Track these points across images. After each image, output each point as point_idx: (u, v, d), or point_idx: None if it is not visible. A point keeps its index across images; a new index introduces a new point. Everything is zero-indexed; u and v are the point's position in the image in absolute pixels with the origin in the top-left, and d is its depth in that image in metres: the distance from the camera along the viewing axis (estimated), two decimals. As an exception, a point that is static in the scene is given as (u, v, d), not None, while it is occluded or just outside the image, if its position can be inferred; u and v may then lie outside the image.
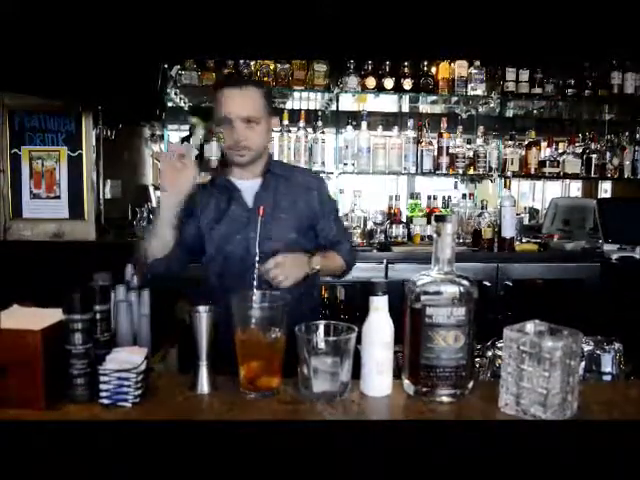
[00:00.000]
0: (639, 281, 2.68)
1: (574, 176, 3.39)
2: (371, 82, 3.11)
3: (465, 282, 1.10)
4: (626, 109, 3.55)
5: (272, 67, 3.11)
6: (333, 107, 3.21)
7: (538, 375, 1.00)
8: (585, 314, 2.04)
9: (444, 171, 3.22)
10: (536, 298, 2.86)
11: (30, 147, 2.92)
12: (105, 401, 1.04)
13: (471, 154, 3.24)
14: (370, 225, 3.13)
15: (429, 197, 3.36)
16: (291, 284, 1.45)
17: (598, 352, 1.33)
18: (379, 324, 1.12)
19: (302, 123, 3.16)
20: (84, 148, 2.92)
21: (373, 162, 3.17)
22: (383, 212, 3.28)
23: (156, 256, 1.50)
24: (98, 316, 1.12)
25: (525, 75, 3.20)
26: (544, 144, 3.38)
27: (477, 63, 3.16)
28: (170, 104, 3.15)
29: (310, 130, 3.20)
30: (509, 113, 3.60)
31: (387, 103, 3.48)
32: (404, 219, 3.26)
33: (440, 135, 3.20)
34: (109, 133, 3.07)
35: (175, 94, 3.16)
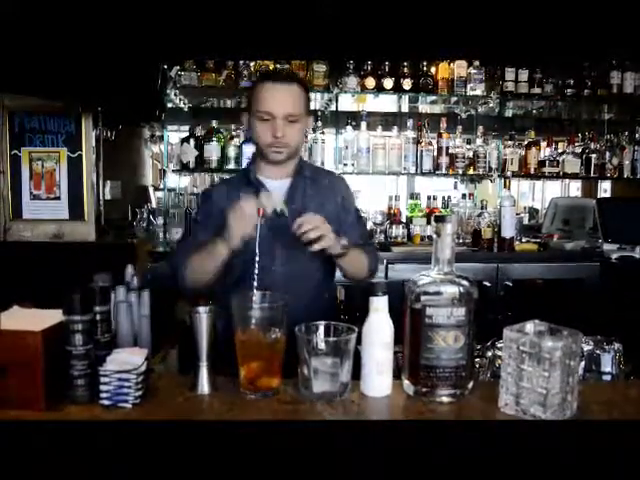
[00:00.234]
0: (639, 281, 2.68)
1: (574, 176, 3.38)
2: (370, 82, 3.11)
3: (465, 282, 1.10)
4: (625, 109, 3.55)
5: (271, 67, 3.11)
6: (333, 107, 3.21)
7: (538, 375, 1.00)
8: (585, 314, 2.04)
9: (444, 171, 3.22)
10: (536, 298, 2.86)
11: (30, 148, 2.92)
12: (105, 402, 1.04)
13: (471, 154, 3.24)
14: (370, 225, 3.13)
15: (429, 197, 3.36)
16: (327, 246, 1.37)
17: (598, 352, 1.33)
18: (379, 324, 1.12)
19: (302, 123, 3.16)
20: (84, 149, 2.92)
21: (373, 162, 3.17)
22: (383, 212, 3.28)
23: (199, 280, 1.46)
24: (98, 317, 1.12)
25: (524, 75, 3.20)
26: (544, 144, 3.38)
27: (476, 63, 3.16)
28: (170, 105, 3.15)
29: (310, 130, 3.20)
30: (508, 113, 3.60)
31: (386, 103, 3.48)
32: (404, 219, 3.27)
33: (440, 135, 3.20)
34: (109, 134, 3.07)
35: (175, 95, 3.16)
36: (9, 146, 2.91)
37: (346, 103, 3.36)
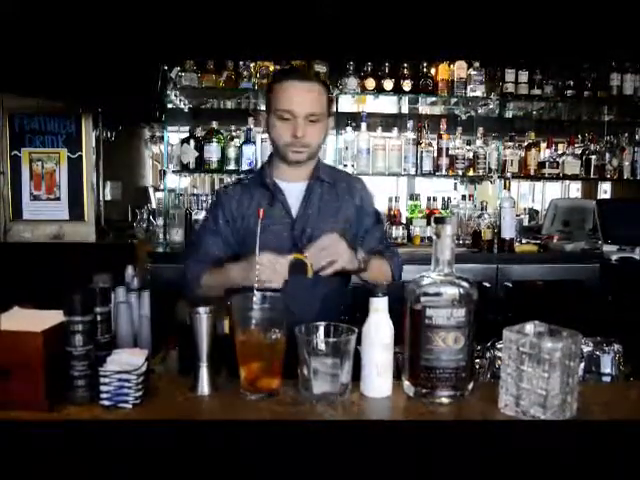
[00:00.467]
0: (638, 282, 2.68)
1: (573, 177, 3.38)
2: (370, 83, 3.11)
3: (465, 283, 1.10)
4: (625, 110, 3.55)
5: (271, 68, 3.11)
6: (333, 108, 3.21)
7: (538, 376, 1.00)
8: (585, 315, 2.04)
9: (444, 172, 3.22)
10: (536, 299, 2.86)
11: (30, 149, 2.93)
12: (106, 402, 1.04)
13: (471, 155, 3.24)
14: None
15: (429, 198, 3.36)
16: (340, 268, 1.36)
17: (598, 353, 1.34)
18: (379, 325, 1.13)
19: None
20: (84, 150, 2.92)
21: (373, 163, 3.17)
22: (383, 213, 3.28)
23: (211, 294, 1.45)
24: (98, 318, 1.12)
25: (524, 76, 3.20)
26: (543, 145, 3.38)
27: (476, 64, 3.16)
28: (170, 105, 3.14)
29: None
30: (508, 114, 3.60)
31: (387, 104, 3.49)
32: (404, 220, 3.27)
33: (440, 136, 3.20)
34: (109, 135, 3.08)
35: (175, 95, 3.16)
36: (9, 147, 2.91)
37: (346, 104, 3.37)
